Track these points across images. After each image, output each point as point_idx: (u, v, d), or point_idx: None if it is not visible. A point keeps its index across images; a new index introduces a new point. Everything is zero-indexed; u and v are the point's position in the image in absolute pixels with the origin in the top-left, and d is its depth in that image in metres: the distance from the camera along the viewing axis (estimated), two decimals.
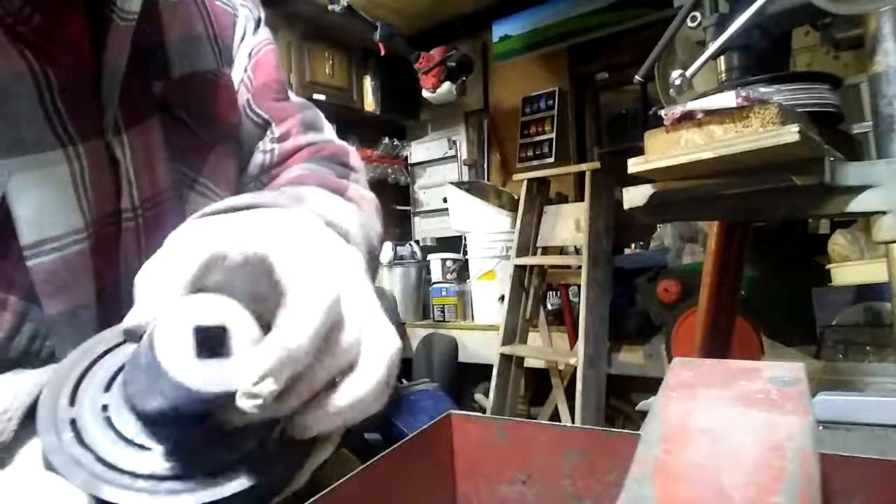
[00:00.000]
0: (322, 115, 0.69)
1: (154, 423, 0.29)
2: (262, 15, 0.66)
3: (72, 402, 0.30)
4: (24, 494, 0.28)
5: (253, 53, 0.64)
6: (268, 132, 0.63)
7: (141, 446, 0.29)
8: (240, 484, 0.29)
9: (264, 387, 0.28)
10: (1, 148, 0.40)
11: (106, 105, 0.46)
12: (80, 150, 0.44)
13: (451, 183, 3.06)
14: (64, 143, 0.43)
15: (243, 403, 0.28)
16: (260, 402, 0.28)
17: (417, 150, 4.07)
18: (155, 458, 0.29)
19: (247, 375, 0.28)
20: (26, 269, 0.41)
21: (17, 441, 0.30)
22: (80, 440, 0.29)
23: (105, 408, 0.30)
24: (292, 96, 0.68)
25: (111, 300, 0.47)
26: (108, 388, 0.31)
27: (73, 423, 0.29)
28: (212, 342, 0.28)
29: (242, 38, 0.63)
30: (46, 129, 0.42)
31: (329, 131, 0.69)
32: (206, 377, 0.27)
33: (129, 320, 0.31)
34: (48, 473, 0.28)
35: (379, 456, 0.32)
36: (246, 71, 0.63)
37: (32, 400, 0.31)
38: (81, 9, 0.45)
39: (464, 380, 2.91)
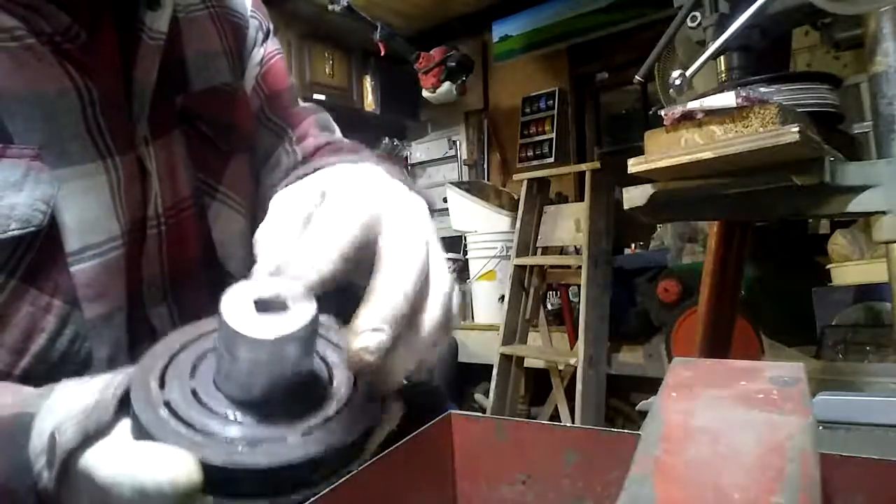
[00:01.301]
0: (330, 117, 0.72)
1: (241, 402, 0.32)
2: (271, 26, 0.69)
3: (161, 386, 0.32)
4: (133, 457, 0.30)
5: (264, 62, 0.66)
6: (285, 137, 0.66)
7: (233, 420, 0.31)
8: (327, 444, 0.31)
9: (375, 338, 0.30)
10: (50, 161, 0.43)
11: (137, 119, 0.49)
12: (117, 161, 0.47)
13: (451, 183, 3.06)
14: (103, 155, 0.46)
15: (359, 358, 0.30)
16: (374, 356, 0.30)
17: (417, 150, 4.07)
18: (248, 428, 0.31)
19: (365, 322, 0.30)
20: (69, 274, 0.44)
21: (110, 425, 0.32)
22: (177, 416, 0.31)
23: (194, 391, 0.33)
24: (300, 102, 0.71)
25: (136, 304, 0.49)
26: (192, 375, 0.34)
27: (166, 403, 0.31)
28: (271, 310, 0.31)
29: (253, 49, 0.65)
30: (89, 143, 0.45)
31: (338, 132, 0.72)
32: (261, 327, 0.30)
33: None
34: (146, 442, 0.30)
35: (379, 456, 0.32)
36: (257, 78, 0.65)
37: (126, 387, 0.32)
38: (112, 27, 0.48)
39: (464, 380, 2.91)
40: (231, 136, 0.59)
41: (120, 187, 0.47)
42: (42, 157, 0.42)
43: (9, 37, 0.42)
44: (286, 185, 0.44)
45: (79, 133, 0.45)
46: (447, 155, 3.93)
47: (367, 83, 3.72)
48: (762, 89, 0.73)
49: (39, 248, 0.42)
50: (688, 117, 0.70)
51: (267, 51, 0.66)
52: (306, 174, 0.45)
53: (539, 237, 2.55)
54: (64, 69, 0.44)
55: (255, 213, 0.61)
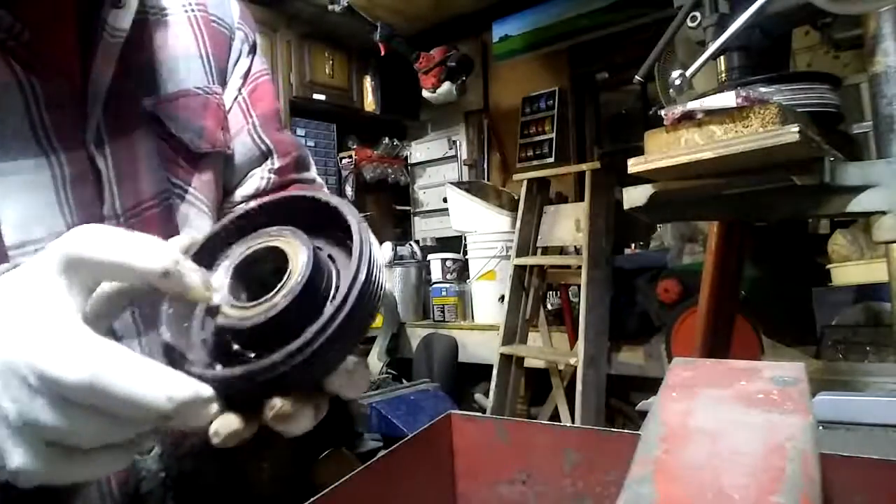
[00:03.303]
0: (309, 155, 0.73)
1: None
2: (258, 39, 0.69)
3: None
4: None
5: (250, 78, 0.66)
6: (268, 160, 0.66)
7: None
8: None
9: None
10: None
11: (89, 117, 0.49)
12: (62, 158, 0.47)
13: (451, 183, 3.06)
14: (47, 151, 0.46)
15: None
16: None
17: (417, 150, 4.07)
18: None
19: None
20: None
21: None
22: None
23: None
24: (283, 129, 0.72)
25: None
26: None
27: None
28: None
29: (238, 60, 0.65)
30: (31, 139, 0.46)
31: (313, 170, 0.73)
32: None
33: None
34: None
35: (379, 456, 0.32)
36: (241, 92, 0.65)
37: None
38: (72, 25, 0.48)
39: (464, 380, 2.91)
40: (201, 140, 0.59)
41: (66, 184, 0.47)
42: None
43: None
44: None
45: (21, 128, 0.45)
46: (447, 155, 3.93)
47: (367, 83, 3.72)
48: (762, 89, 0.73)
49: None
50: (688, 117, 0.70)
51: (255, 68, 0.67)
52: None
53: (539, 237, 2.55)
54: (7, 65, 0.44)
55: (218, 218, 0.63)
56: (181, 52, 0.58)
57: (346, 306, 0.30)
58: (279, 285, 0.32)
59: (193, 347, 0.34)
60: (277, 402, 0.30)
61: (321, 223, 0.35)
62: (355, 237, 0.33)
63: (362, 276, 0.31)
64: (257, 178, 0.66)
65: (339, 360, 0.32)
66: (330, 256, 0.35)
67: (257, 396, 0.30)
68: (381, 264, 0.33)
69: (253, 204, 0.37)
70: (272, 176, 0.66)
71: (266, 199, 0.37)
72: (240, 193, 0.65)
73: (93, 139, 0.49)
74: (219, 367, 0.31)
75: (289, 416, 0.30)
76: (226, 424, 0.29)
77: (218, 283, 0.33)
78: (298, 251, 0.32)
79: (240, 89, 0.65)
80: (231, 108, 0.64)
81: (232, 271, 0.34)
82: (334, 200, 0.35)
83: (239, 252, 0.34)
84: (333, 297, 0.33)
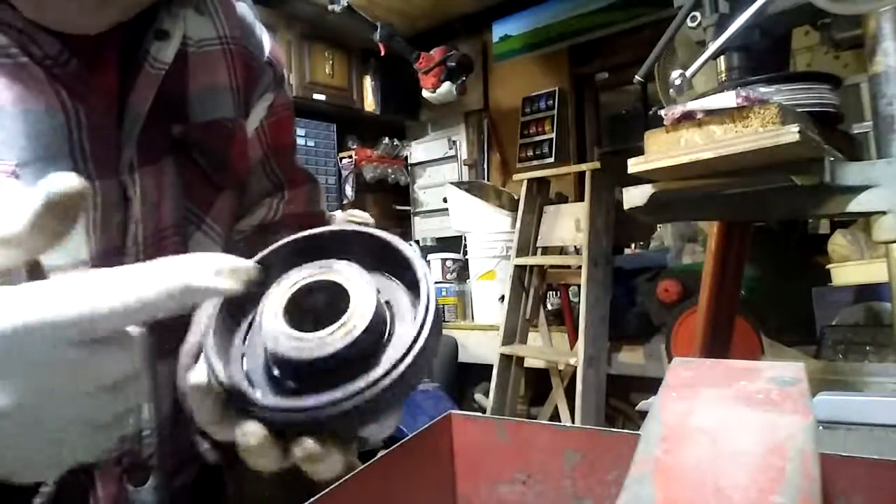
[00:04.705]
0: (322, 190, 0.75)
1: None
2: (286, 74, 0.70)
3: None
4: None
5: (272, 111, 0.67)
6: (279, 193, 0.68)
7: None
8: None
9: None
10: (26, 179, 0.43)
11: (124, 145, 0.50)
12: (96, 186, 0.47)
13: (451, 183, 3.06)
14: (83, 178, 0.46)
15: None
16: None
17: (417, 150, 4.07)
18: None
19: None
20: None
21: None
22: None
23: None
24: (298, 163, 0.73)
25: None
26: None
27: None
28: None
29: (263, 93, 0.66)
30: (70, 165, 0.46)
31: (324, 204, 0.74)
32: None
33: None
34: None
35: (379, 456, 0.32)
36: (262, 124, 0.66)
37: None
38: (116, 56, 0.49)
39: (464, 380, 2.91)
40: (224, 171, 0.60)
41: (97, 213, 0.48)
42: (18, 174, 0.43)
43: (3, 53, 0.43)
44: None
45: (62, 154, 0.45)
46: (447, 155, 3.93)
47: (367, 83, 3.72)
48: (762, 89, 0.73)
49: None
50: (688, 117, 0.70)
51: (278, 101, 0.68)
52: None
53: (539, 237, 2.55)
54: (55, 91, 0.45)
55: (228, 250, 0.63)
56: (214, 84, 0.59)
57: (415, 349, 0.30)
58: (339, 323, 0.31)
59: (233, 361, 0.34)
60: (309, 444, 0.29)
61: (375, 256, 0.35)
62: (423, 289, 0.33)
63: (424, 337, 0.31)
64: (265, 209, 0.67)
65: (395, 407, 0.32)
66: (387, 302, 0.35)
67: (298, 431, 0.30)
68: (439, 313, 0.34)
69: (311, 232, 0.36)
70: (280, 207, 0.67)
71: (326, 228, 0.36)
72: (246, 223, 0.66)
73: (126, 167, 0.50)
74: (268, 395, 0.31)
75: (318, 458, 0.30)
76: (256, 434, 0.30)
77: (274, 306, 0.32)
78: (362, 292, 0.32)
79: (262, 121, 0.66)
80: (251, 139, 0.65)
81: (288, 299, 0.33)
82: (402, 247, 0.35)
83: (295, 279, 0.34)
84: (388, 340, 0.33)
